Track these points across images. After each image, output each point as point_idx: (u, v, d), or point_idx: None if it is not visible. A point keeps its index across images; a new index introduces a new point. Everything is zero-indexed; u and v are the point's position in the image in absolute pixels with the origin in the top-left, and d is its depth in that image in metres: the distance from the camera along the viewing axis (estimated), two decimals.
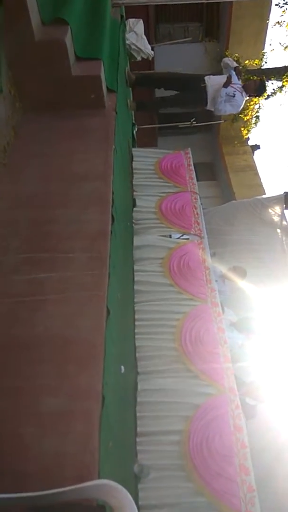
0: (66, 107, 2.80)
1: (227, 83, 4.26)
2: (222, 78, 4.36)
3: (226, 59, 4.67)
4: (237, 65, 4.64)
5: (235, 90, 4.32)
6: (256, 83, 4.49)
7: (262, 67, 7.97)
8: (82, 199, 2.29)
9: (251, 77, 5.14)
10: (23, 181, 2.38)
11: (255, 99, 7.68)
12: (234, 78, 4.39)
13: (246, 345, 3.40)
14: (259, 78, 4.54)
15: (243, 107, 4.82)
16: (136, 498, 2.07)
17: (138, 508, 1.89)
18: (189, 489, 2.19)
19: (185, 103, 4.92)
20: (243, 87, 4.40)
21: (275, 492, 2.69)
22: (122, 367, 2.07)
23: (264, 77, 5.37)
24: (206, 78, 4.43)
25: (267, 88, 5.41)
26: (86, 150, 2.60)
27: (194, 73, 4.65)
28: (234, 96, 4.32)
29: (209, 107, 4.49)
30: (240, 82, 4.43)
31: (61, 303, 1.79)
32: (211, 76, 4.47)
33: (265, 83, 4.71)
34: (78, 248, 2.03)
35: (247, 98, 4.51)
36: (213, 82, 4.38)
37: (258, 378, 3.04)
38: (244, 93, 4.38)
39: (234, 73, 4.44)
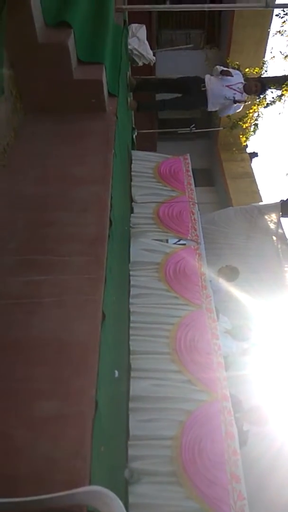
0: (67, 110, 2.81)
1: (225, 73, 4.27)
2: (223, 84, 4.38)
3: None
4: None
5: (235, 92, 4.32)
6: (257, 85, 4.46)
7: (262, 76, 8.03)
8: (81, 202, 2.29)
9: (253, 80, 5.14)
10: (22, 182, 2.37)
11: (255, 107, 7.74)
12: (237, 77, 4.40)
13: (240, 352, 3.41)
14: (260, 82, 4.52)
15: (242, 111, 4.84)
16: (126, 503, 2.07)
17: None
18: (179, 494, 2.19)
19: (186, 106, 4.91)
20: (243, 87, 4.40)
21: (268, 500, 2.69)
22: (116, 372, 2.06)
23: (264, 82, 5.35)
24: (206, 79, 4.42)
25: (267, 90, 5.42)
26: (85, 154, 2.61)
27: (194, 76, 4.61)
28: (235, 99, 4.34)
29: (210, 108, 4.51)
30: (242, 80, 4.44)
31: (57, 306, 1.79)
32: (211, 78, 4.46)
33: (266, 86, 4.71)
34: (75, 251, 2.03)
35: (247, 97, 4.52)
36: (212, 84, 4.40)
37: (256, 403, 3.06)
38: (244, 94, 4.39)
39: (239, 72, 4.48)
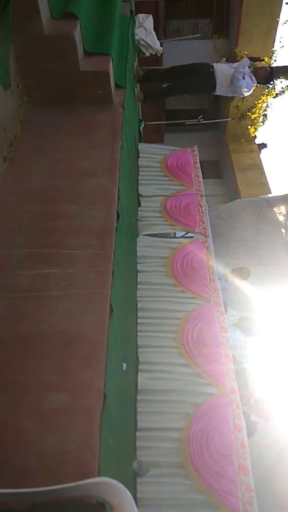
0: (73, 102, 2.79)
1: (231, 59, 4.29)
2: (232, 66, 4.35)
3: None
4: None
5: (244, 73, 4.29)
6: (266, 70, 4.45)
7: (271, 65, 7.89)
8: (88, 195, 2.29)
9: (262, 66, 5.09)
10: (29, 176, 2.37)
11: (263, 98, 7.62)
12: (245, 62, 4.37)
13: (248, 345, 3.40)
14: (269, 66, 4.47)
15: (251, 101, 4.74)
16: (134, 494, 2.09)
17: (137, 504, 1.90)
18: (187, 486, 2.21)
19: (193, 89, 4.79)
20: (252, 72, 4.36)
21: (276, 491, 2.70)
22: (124, 365, 2.07)
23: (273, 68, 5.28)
24: (214, 64, 4.42)
25: (274, 79, 5.35)
26: (92, 146, 2.59)
27: (203, 62, 4.57)
28: (244, 79, 4.29)
29: (218, 91, 4.44)
30: (249, 70, 4.41)
31: (64, 299, 1.79)
32: (219, 63, 4.45)
33: (274, 72, 4.66)
34: (83, 245, 2.03)
35: (256, 83, 4.47)
36: (221, 66, 4.36)
37: (263, 396, 3.06)
38: (253, 77, 4.35)
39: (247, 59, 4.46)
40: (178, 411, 2.41)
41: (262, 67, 4.57)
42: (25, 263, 1.91)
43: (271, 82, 5.05)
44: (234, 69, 4.30)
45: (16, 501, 1.15)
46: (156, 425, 2.34)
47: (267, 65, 6.41)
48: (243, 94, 4.57)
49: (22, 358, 1.60)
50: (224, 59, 4.52)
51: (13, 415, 1.45)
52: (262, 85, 4.68)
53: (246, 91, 4.45)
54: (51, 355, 1.62)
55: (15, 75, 2.53)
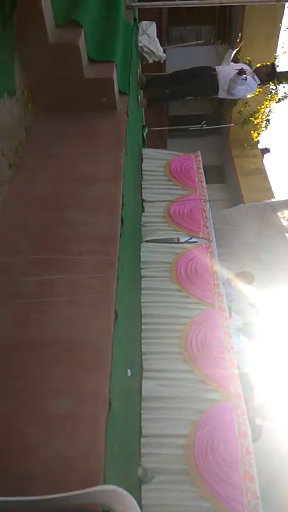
0: (78, 109, 2.81)
1: (241, 73, 4.28)
2: (233, 67, 4.38)
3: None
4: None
5: (247, 75, 4.32)
6: (268, 67, 4.49)
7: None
8: (92, 201, 2.30)
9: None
10: (34, 182, 2.39)
11: (266, 103, 7.64)
12: (247, 67, 4.42)
13: (252, 350, 3.39)
14: (270, 63, 4.50)
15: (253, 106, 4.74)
16: (139, 501, 2.07)
17: (142, 511, 1.89)
18: (193, 493, 2.19)
19: (196, 92, 4.81)
20: (254, 71, 4.40)
21: (280, 498, 2.68)
22: (129, 371, 2.07)
23: (275, 64, 5.29)
24: (216, 67, 4.45)
25: (277, 84, 5.38)
26: (97, 152, 2.61)
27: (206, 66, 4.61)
28: (246, 80, 4.31)
29: (220, 94, 4.47)
30: (250, 69, 4.45)
31: (69, 305, 1.80)
32: (221, 66, 4.49)
33: (275, 68, 4.69)
34: (88, 251, 2.03)
35: (259, 83, 4.49)
36: (223, 69, 4.40)
37: (266, 400, 3.04)
38: (255, 77, 4.38)
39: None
40: (183, 417, 2.40)
41: (263, 65, 4.61)
42: (30, 269, 1.92)
43: (274, 79, 5.06)
44: (236, 71, 4.32)
45: (22, 509, 1.14)
46: (160, 431, 2.33)
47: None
48: (245, 97, 4.60)
49: (27, 364, 1.60)
50: (235, 51, 4.57)
51: (18, 421, 1.45)
52: (264, 91, 4.68)
53: (249, 94, 4.48)
54: (56, 361, 1.62)
55: (20, 83, 2.55)
